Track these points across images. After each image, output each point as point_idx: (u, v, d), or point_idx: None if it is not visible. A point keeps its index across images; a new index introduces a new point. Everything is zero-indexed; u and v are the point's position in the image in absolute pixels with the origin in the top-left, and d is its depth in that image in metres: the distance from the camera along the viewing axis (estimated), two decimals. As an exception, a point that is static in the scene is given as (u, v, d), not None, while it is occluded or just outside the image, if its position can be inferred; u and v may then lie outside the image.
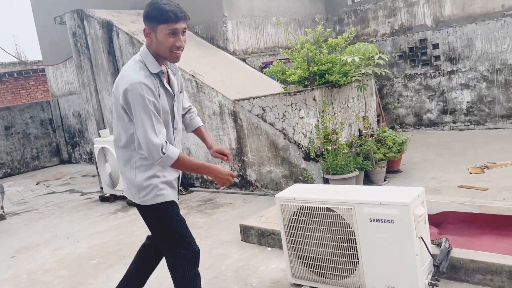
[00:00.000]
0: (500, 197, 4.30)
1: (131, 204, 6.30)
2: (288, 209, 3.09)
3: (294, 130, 5.39)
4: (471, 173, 5.29)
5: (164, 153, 2.26)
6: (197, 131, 2.84)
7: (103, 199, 6.86)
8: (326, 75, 5.39)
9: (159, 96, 2.32)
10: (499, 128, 7.62)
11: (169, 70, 2.51)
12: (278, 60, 6.02)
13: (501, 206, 3.71)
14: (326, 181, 5.19)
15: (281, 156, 5.53)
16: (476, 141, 6.95)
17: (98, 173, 7.26)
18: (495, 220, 3.70)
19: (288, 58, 6.48)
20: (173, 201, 2.49)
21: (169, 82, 2.48)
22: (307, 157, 5.28)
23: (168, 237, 2.48)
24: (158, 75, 2.35)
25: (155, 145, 2.24)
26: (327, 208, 2.88)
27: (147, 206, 2.44)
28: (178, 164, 2.33)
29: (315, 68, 5.37)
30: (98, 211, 6.34)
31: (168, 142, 2.31)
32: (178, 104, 2.55)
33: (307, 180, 5.16)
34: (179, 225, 2.48)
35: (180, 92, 2.61)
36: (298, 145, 5.36)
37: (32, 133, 11.54)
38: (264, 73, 7.08)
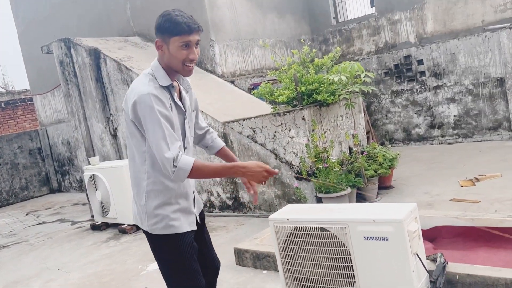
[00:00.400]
0: (492, 209, 4.32)
1: (123, 231, 6.22)
2: (282, 231, 3.07)
3: (285, 150, 5.40)
4: (462, 186, 5.33)
5: (175, 166, 2.10)
6: (221, 152, 2.67)
7: (94, 227, 6.77)
8: (314, 94, 5.44)
9: (170, 109, 2.20)
10: (486, 140, 7.71)
11: (181, 87, 2.40)
12: (266, 82, 6.08)
13: (494, 218, 3.72)
14: (319, 200, 5.18)
15: (273, 177, 5.52)
16: (465, 154, 7.02)
17: (88, 201, 7.17)
18: (489, 232, 3.70)
19: (276, 79, 6.54)
20: (185, 232, 2.32)
21: (180, 99, 2.36)
22: (299, 177, 5.28)
23: (174, 270, 2.34)
24: (168, 89, 2.24)
25: (167, 159, 2.10)
26: (321, 228, 2.87)
27: (155, 235, 2.31)
28: (195, 174, 2.15)
29: (303, 88, 5.42)
30: (90, 240, 6.25)
31: (181, 153, 2.14)
32: (190, 123, 2.43)
33: (300, 199, 5.15)
34: (188, 259, 2.32)
35: (193, 111, 2.49)
36: (290, 165, 5.36)
37: (20, 163, 11.42)
38: (253, 95, 7.13)
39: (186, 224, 2.34)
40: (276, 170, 2.29)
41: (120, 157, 7.40)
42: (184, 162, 2.13)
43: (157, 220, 2.28)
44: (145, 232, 2.37)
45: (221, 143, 2.70)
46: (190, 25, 2.14)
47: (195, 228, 2.40)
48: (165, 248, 2.32)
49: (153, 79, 2.22)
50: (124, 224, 6.28)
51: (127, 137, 2.34)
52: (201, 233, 2.51)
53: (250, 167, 2.18)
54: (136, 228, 6.21)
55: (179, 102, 2.31)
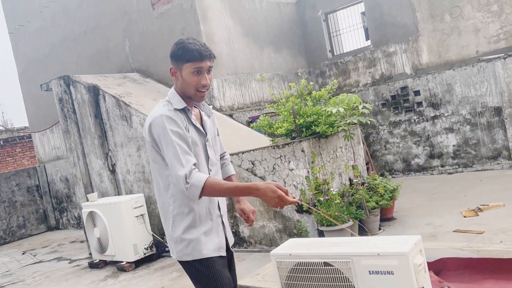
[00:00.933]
0: (497, 239, 4.25)
1: (122, 269, 6.09)
2: (284, 266, 2.99)
3: (285, 182, 5.36)
4: (465, 216, 5.26)
5: (188, 183, 2.08)
6: (228, 180, 2.66)
7: (92, 265, 6.63)
8: (313, 126, 5.45)
9: (187, 131, 2.23)
10: (487, 170, 7.68)
11: (202, 113, 2.46)
12: (264, 114, 6.10)
13: (500, 249, 3.65)
14: (320, 233, 5.10)
15: (274, 210, 5.46)
16: (466, 184, 6.98)
17: (86, 238, 7.06)
18: (495, 264, 3.63)
19: (274, 112, 6.57)
20: (213, 258, 2.28)
21: (202, 123, 2.41)
22: (300, 210, 5.22)
23: None
24: (184, 111, 2.30)
25: (179, 176, 2.10)
26: (324, 262, 2.80)
27: (185, 261, 2.29)
28: (208, 191, 2.10)
29: (302, 120, 5.43)
30: (88, 279, 6.10)
31: (195, 170, 2.12)
32: (215, 146, 2.45)
33: (301, 233, 5.07)
34: (223, 284, 2.28)
35: (218, 135, 2.53)
36: (290, 198, 5.31)
37: (18, 200, 11.31)
38: (252, 128, 7.14)
39: (215, 249, 2.32)
40: (295, 199, 2.15)
41: (118, 193, 7.33)
42: (196, 179, 2.11)
43: (183, 246, 2.27)
44: (179, 261, 2.35)
45: (230, 170, 2.70)
46: (201, 52, 2.21)
47: (224, 254, 2.37)
48: (196, 275, 2.30)
49: (168, 104, 2.30)
50: (122, 262, 6.15)
51: (151, 165, 2.36)
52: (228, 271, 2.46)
53: (264, 191, 2.06)
54: (134, 265, 6.08)
55: (198, 125, 2.35)
